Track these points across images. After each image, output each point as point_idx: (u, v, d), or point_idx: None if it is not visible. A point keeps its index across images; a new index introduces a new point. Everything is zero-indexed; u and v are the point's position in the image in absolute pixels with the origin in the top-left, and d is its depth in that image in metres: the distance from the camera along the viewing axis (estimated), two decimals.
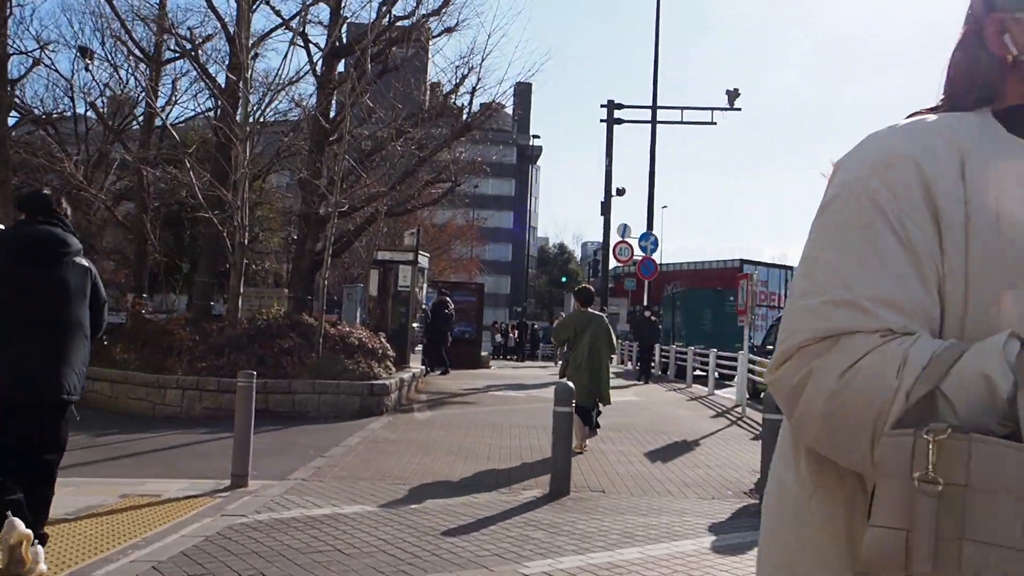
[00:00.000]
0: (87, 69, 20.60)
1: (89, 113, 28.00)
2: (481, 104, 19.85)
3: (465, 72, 19.79)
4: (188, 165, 15.47)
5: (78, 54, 21.92)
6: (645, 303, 25.28)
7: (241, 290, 15.15)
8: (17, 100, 27.05)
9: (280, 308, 15.43)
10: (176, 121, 24.49)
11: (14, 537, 4.07)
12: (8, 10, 24.91)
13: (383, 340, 14.90)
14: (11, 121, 26.77)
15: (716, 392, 18.59)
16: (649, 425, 13.04)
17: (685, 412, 15.40)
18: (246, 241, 15.30)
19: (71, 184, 21.43)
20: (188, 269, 23.63)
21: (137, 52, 21.58)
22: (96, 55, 23.79)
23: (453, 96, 19.73)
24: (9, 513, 4.10)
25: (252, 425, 7.71)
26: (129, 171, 28.25)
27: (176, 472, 8.37)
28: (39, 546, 4.29)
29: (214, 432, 11.15)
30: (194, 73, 23.93)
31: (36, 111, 27.51)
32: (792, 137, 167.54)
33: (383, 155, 19.57)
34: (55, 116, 27.47)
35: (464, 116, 19.74)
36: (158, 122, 22.74)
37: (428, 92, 22.84)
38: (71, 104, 28.66)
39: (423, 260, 19.26)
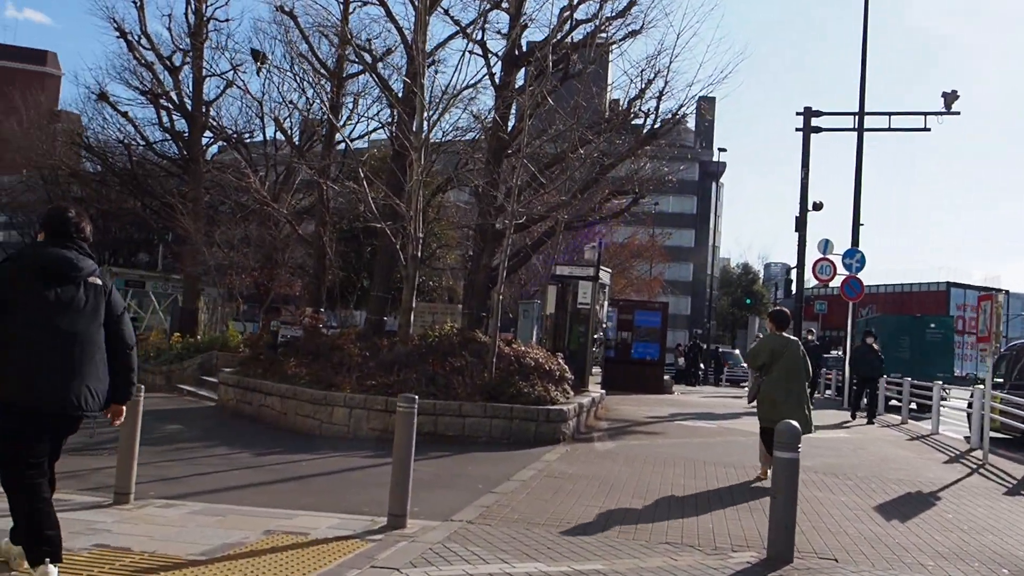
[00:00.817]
0: (258, 72, 20.76)
1: (278, 134, 28.82)
2: (669, 110, 18.33)
3: (651, 76, 18.38)
4: (362, 174, 14.94)
5: (257, 64, 22.16)
6: (853, 329, 22.74)
7: (413, 305, 14.42)
8: (213, 121, 28.23)
9: (453, 324, 14.61)
10: (356, 137, 24.55)
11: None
12: (204, 35, 26.01)
13: (561, 361, 13.70)
14: (204, 141, 28.00)
15: (940, 431, 16.09)
16: (869, 470, 11.07)
17: (908, 454, 13.19)
18: (419, 254, 14.55)
19: (257, 201, 21.77)
20: (365, 283, 23.57)
21: (320, 68, 21.65)
22: (283, 71, 24.16)
23: (639, 102, 18.35)
24: (48, 560, 4.38)
25: (412, 457, 6.64)
26: (313, 189, 28.86)
27: (330, 504, 7.45)
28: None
29: (378, 456, 10.28)
30: (374, 91, 24.03)
31: (228, 131, 28.57)
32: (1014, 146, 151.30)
33: (562, 166, 18.52)
34: (246, 136, 28.41)
35: (650, 122, 18.31)
36: (339, 137, 22.80)
37: (609, 99, 21.63)
38: (261, 124, 29.66)
39: (604, 276, 17.96)
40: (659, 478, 9.50)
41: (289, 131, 25.36)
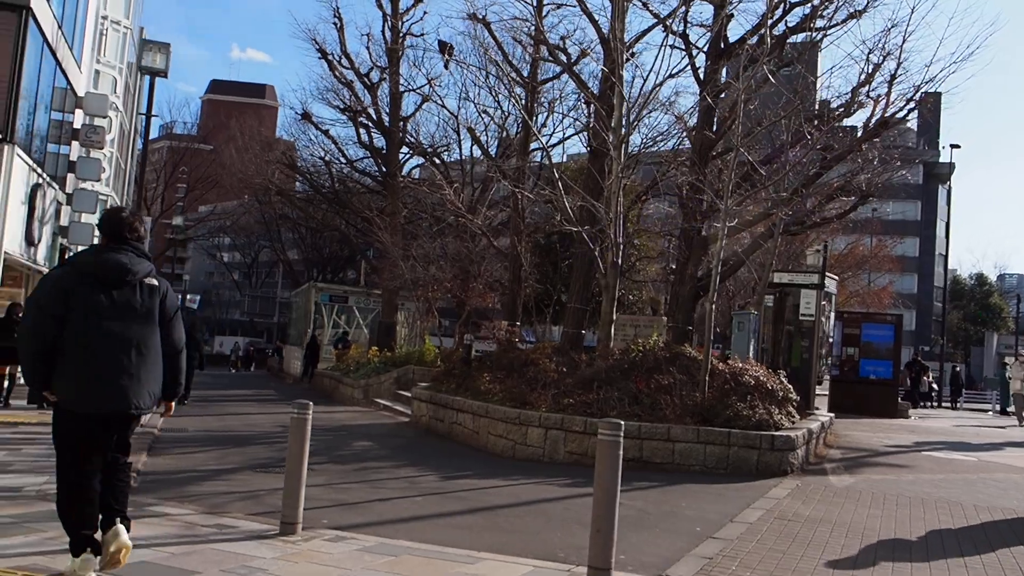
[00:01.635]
0: (446, 66, 20.14)
1: (474, 147, 28.58)
2: (902, 94, 16.02)
3: (879, 58, 16.17)
4: (557, 175, 13.90)
5: (444, 56, 21.63)
6: None
7: (614, 317, 13.17)
8: (410, 137, 28.39)
9: (658, 338, 13.23)
10: (552, 144, 23.66)
11: (115, 544, 4.58)
12: (400, 51, 26.13)
13: (783, 380, 11.94)
14: (402, 156, 28.17)
15: None
16: None
17: None
18: (620, 261, 13.29)
19: (453, 213, 21.36)
20: (562, 297, 22.62)
21: (514, 75, 20.97)
22: (478, 81, 23.74)
23: (866, 87, 16.18)
24: (118, 520, 4.62)
25: (617, 496, 5.35)
26: (509, 204, 28.35)
27: (521, 545, 6.30)
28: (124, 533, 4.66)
29: (576, 484, 9.07)
30: (569, 99, 23.12)
31: (425, 146, 28.64)
32: None
33: (773, 168, 16.67)
34: (442, 151, 28.35)
35: (880, 111, 16.09)
36: (534, 146, 22.01)
37: (819, 95, 19.46)
38: (457, 138, 29.56)
39: (830, 284, 15.89)
40: (921, 525, 7.66)
41: (484, 142, 24.90)
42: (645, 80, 14.22)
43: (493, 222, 26.71)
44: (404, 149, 27.87)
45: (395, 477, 9.45)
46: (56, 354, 4.50)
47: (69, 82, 22.56)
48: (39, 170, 19.76)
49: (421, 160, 29.55)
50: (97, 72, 31.21)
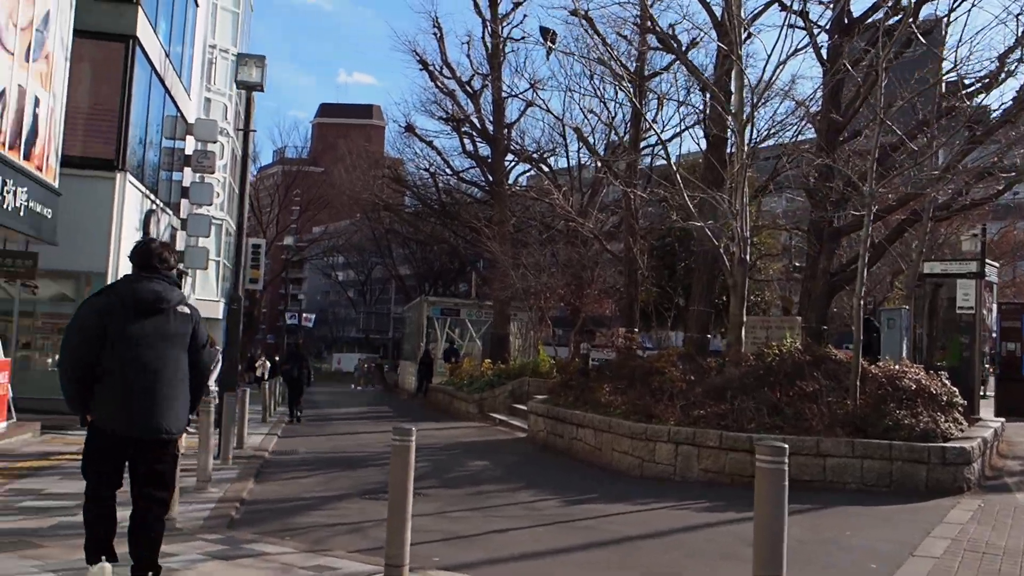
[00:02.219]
0: (548, 55, 19.19)
1: (582, 151, 27.71)
2: None
3: None
4: (674, 168, 12.86)
5: (547, 43, 20.68)
6: None
7: (744, 318, 12.01)
8: (515, 144, 27.74)
9: (794, 340, 11.99)
10: (666, 140, 22.50)
11: None
12: (501, 56, 25.51)
13: (946, 382, 10.52)
14: (507, 164, 27.51)
15: None
16: None
17: None
18: (748, 257, 12.13)
19: (563, 218, 20.53)
20: (681, 302, 21.47)
21: (620, 70, 19.97)
22: (581, 86, 22.85)
23: (1018, 50, 14.44)
24: (104, 559, 4.62)
25: (785, 532, 4.33)
26: (620, 207, 27.31)
27: None
28: None
29: (716, 508, 8.03)
30: (677, 95, 21.89)
31: (530, 152, 27.93)
32: None
33: (907, 150, 15.11)
34: (547, 156, 27.58)
35: None
36: (644, 143, 20.94)
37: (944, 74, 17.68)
38: (563, 142, 28.74)
39: (991, 272, 14.21)
40: None
41: (592, 144, 23.96)
42: (767, 61, 12.93)
43: (604, 226, 25.75)
44: (509, 156, 27.24)
45: (512, 502, 8.61)
46: (94, 378, 4.63)
47: (179, 109, 22.90)
48: (152, 196, 20.01)
49: (527, 167, 28.84)
50: (208, 99, 31.99)
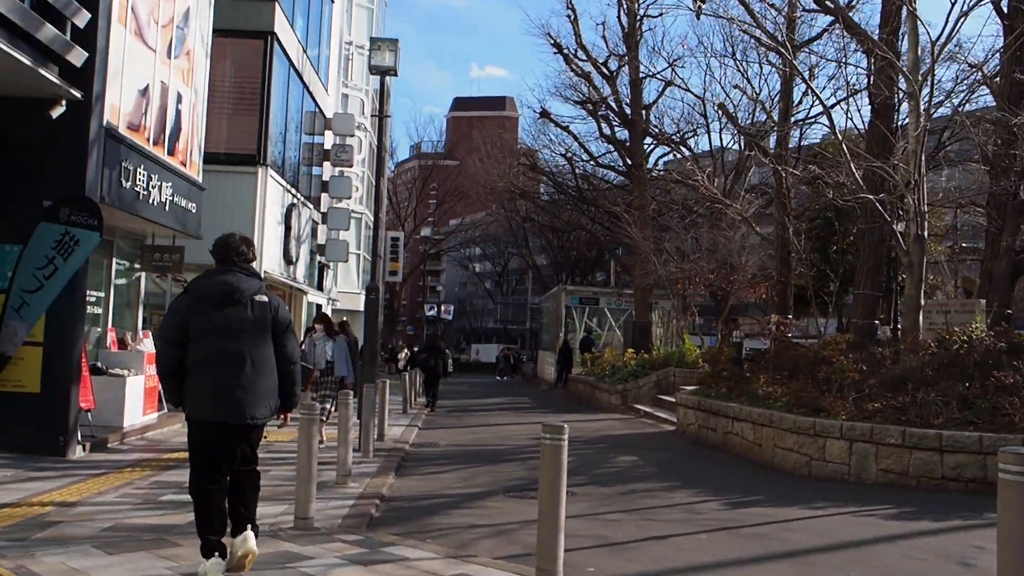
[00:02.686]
0: (697, 16, 17.94)
1: (723, 133, 26.41)
2: None
3: None
4: (840, 139, 11.71)
5: (687, 5, 19.40)
6: None
7: (922, 302, 10.78)
8: (654, 128, 26.72)
9: (980, 325, 10.67)
10: (815, 115, 21.03)
11: (243, 549, 4.75)
12: (638, 35, 24.54)
13: None
14: (646, 147, 26.50)
15: None
16: None
17: None
18: (925, 233, 10.89)
19: (708, 199, 19.49)
20: (836, 287, 19.98)
21: (768, 40, 18.71)
22: (723, 63, 21.63)
23: None
24: (248, 526, 4.84)
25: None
26: (766, 190, 25.84)
27: None
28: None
29: (905, 516, 7.05)
30: (830, 65, 20.33)
31: (670, 134, 26.85)
32: None
33: None
34: (688, 136, 26.44)
35: None
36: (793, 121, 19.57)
37: None
38: (704, 122, 27.50)
39: None
40: None
41: (737, 118, 22.67)
42: (948, 15, 11.55)
43: (750, 208, 24.40)
44: (648, 140, 26.24)
45: (669, 504, 7.87)
46: (184, 372, 4.84)
47: (317, 104, 23.19)
48: (293, 191, 20.29)
49: (665, 150, 27.76)
50: (345, 95, 32.48)
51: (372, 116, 16.00)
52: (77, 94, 9.30)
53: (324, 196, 24.42)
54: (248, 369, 4.81)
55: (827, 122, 16.21)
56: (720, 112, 21.69)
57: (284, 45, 18.87)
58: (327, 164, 24.58)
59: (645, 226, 23.32)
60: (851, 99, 17.67)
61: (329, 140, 24.67)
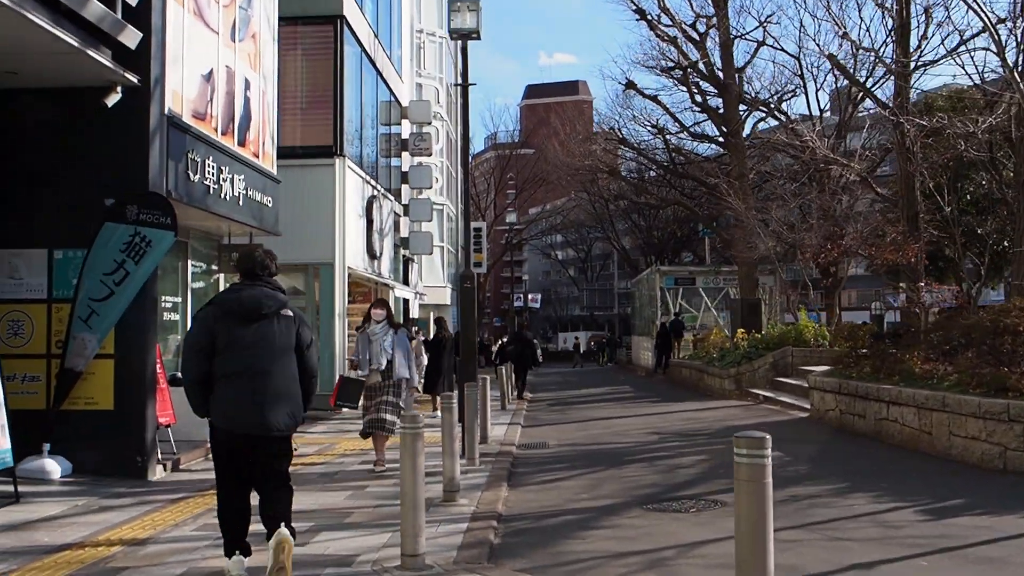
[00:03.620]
0: None
1: (820, 95, 24.51)
2: None
3: None
4: (1004, 59, 10.00)
5: None
6: None
7: None
8: (746, 95, 24.97)
9: None
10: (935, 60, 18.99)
11: (275, 540, 4.58)
12: None
13: None
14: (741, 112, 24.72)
15: None
16: None
17: None
18: None
19: (823, 161, 17.76)
20: (948, 252, 18.03)
21: None
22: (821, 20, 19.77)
23: None
24: (282, 524, 4.68)
25: None
26: (872, 148, 23.86)
27: None
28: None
29: None
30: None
31: (764, 98, 25.05)
32: None
33: None
34: (787, 97, 24.61)
35: None
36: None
37: None
38: (801, 83, 25.57)
39: None
40: None
41: (831, 83, 20.79)
42: None
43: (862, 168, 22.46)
44: (741, 106, 24.46)
45: (850, 515, 6.44)
46: (210, 381, 4.84)
47: (392, 92, 22.24)
48: (373, 182, 19.37)
49: (759, 117, 25.85)
50: (419, 85, 31.52)
51: (456, 85, 14.77)
52: (133, 79, 8.38)
53: (404, 188, 23.49)
54: (271, 382, 4.86)
55: (958, 62, 14.42)
56: (829, 63, 19.77)
57: (355, 29, 17.92)
58: (405, 154, 23.64)
59: (746, 197, 21.64)
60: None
61: (406, 129, 23.73)
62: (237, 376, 4.80)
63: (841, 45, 21.63)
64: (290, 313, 5.05)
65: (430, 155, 24.76)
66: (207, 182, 9.96)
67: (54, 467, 8.14)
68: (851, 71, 20.28)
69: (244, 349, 4.83)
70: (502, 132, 70.03)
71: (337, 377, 12.76)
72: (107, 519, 6.52)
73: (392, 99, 22.31)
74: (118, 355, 8.53)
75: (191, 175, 9.53)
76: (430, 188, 25.06)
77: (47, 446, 8.22)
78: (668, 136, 25.58)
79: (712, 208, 25.30)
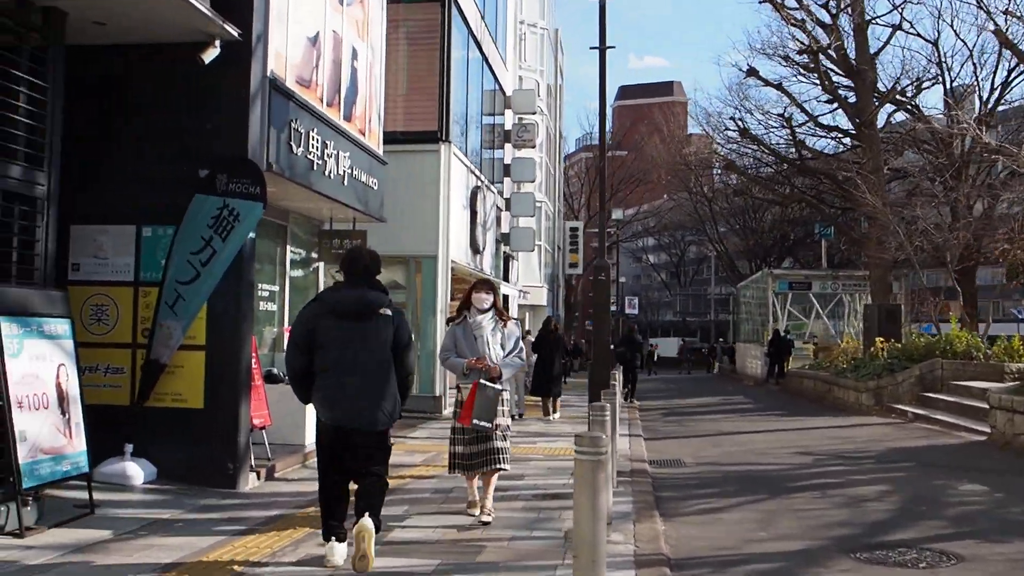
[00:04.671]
0: None
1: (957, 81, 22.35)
2: None
3: None
4: None
5: None
6: None
7: None
8: (880, 85, 22.96)
9: None
10: None
11: (357, 528, 4.79)
12: None
13: None
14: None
15: None
16: None
17: None
18: None
19: (986, 150, 15.83)
20: None
21: None
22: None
23: None
24: (366, 514, 4.86)
25: None
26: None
27: None
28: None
29: None
30: None
31: (902, 87, 22.99)
32: None
33: None
34: (928, 83, 22.51)
35: None
36: None
37: None
38: (939, 71, 23.42)
39: None
40: None
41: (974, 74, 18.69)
42: None
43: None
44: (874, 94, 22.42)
45: None
46: (311, 376, 5.08)
47: (497, 79, 21.09)
48: (477, 172, 18.23)
49: (891, 110, 23.75)
50: (520, 77, 30.34)
51: (594, 49, 13.39)
52: (234, 32, 7.30)
53: (506, 181, 22.30)
54: (366, 379, 5.00)
55: None
56: (998, 39, 17.69)
57: (463, 10, 16.81)
58: (508, 146, 22.46)
59: (882, 193, 19.69)
60: None
61: (509, 120, 22.55)
62: (333, 371, 4.99)
63: (980, 34, 19.44)
64: (388, 312, 5.13)
65: (533, 147, 23.57)
66: (311, 156, 8.89)
67: (136, 471, 7.15)
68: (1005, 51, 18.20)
69: (341, 346, 5.00)
70: (596, 134, 68.43)
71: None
72: (191, 543, 5.41)
73: (497, 87, 21.16)
74: (209, 346, 7.50)
75: (294, 147, 8.47)
76: (533, 181, 23.85)
77: (129, 447, 7.23)
78: (796, 128, 23.61)
79: (843, 206, 23.26)
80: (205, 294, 7.27)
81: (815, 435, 12.57)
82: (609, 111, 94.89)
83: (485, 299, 6.43)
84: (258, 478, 7.75)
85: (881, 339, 17.34)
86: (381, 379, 5.05)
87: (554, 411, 14.39)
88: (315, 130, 8.97)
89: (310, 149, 8.86)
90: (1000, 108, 23.68)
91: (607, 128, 56.91)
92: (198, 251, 7.28)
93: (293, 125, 8.44)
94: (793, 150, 24.17)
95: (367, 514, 4.84)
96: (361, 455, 5.04)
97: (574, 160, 68.29)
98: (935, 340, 16.63)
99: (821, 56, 21.63)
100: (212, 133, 7.68)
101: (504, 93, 22.00)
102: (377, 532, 4.90)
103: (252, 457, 7.75)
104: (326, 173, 9.32)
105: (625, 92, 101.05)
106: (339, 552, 4.94)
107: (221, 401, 7.47)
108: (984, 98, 23.28)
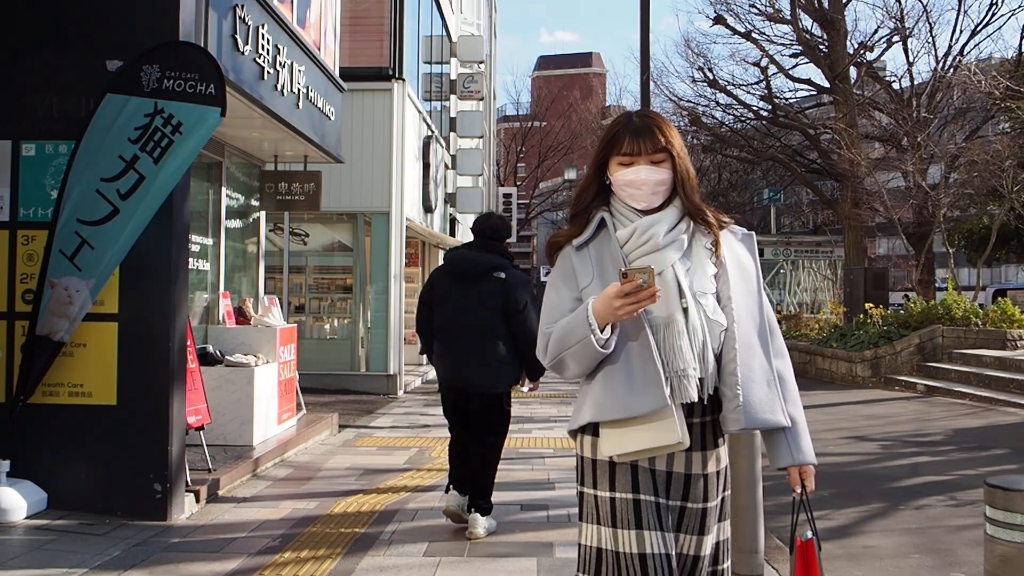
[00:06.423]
0: None
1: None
2: None
3: None
4: None
5: None
6: None
7: None
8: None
9: None
10: None
11: (468, 530, 4.85)
12: None
13: None
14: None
15: None
16: None
17: None
18: None
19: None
20: None
21: None
22: None
23: None
24: (473, 509, 4.90)
25: None
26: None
27: None
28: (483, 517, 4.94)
29: None
30: None
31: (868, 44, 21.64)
32: None
33: None
34: (907, 34, 21.22)
35: None
36: None
37: None
38: (901, 28, 22.16)
39: None
40: None
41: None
42: None
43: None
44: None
45: None
46: (432, 332, 5.16)
47: (445, 23, 18.84)
48: (429, 120, 16.00)
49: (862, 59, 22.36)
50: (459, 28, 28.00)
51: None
52: None
53: (452, 135, 20.08)
54: (479, 340, 4.92)
55: None
56: None
57: None
58: (454, 97, 20.24)
59: (858, 148, 18.31)
60: None
61: (455, 69, 20.32)
62: (445, 331, 5.02)
63: None
64: (503, 275, 5.00)
65: (481, 99, 21.44)
66: (260, 62, 6.61)
67: (15, 501, 4.89)
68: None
69: (453, 306, 4.99)
70: (511, 106, 66.57)
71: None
72: None
73: (444, 32, 18.90)
74: (125, 316, 5.23)
75: (239, 43, 6.19)
76: (481, 137, 21.71)
77: (5, 464, 4.94)
78: (771, 77, 21.96)
79: (817, 165, 21.85)
80: (129, 240, 4.97)
81: (842, 415, 10.95)
82: (528, 81, 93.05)
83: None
84: (197, 501, 5.53)
85: (871, 304, 15.94)
86: (490, 342, 4.92)
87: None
88: (265, 26, 6.70)
89: (259, 51, 6.58)
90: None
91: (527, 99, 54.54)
92: (114, 177, 4.96)
93: (239, 13, 6.16)
94: (765, 104, 22.56)
95: (475, 510, 4.87)
96: (475, 417, 5.01)
97: (498, 128, 66.22)
98: (933, 306, 15.32)
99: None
100: (128, 12, 5.37)
101: (451, 39, 19.76)
102: (486, 515, 4.92)
103: (187, 471, 5.54)
104: (278, 88, 7.05)
105: (544, 62, 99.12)
106: (459, 500, 4.96)
107: (143, 394, 5.23)
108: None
